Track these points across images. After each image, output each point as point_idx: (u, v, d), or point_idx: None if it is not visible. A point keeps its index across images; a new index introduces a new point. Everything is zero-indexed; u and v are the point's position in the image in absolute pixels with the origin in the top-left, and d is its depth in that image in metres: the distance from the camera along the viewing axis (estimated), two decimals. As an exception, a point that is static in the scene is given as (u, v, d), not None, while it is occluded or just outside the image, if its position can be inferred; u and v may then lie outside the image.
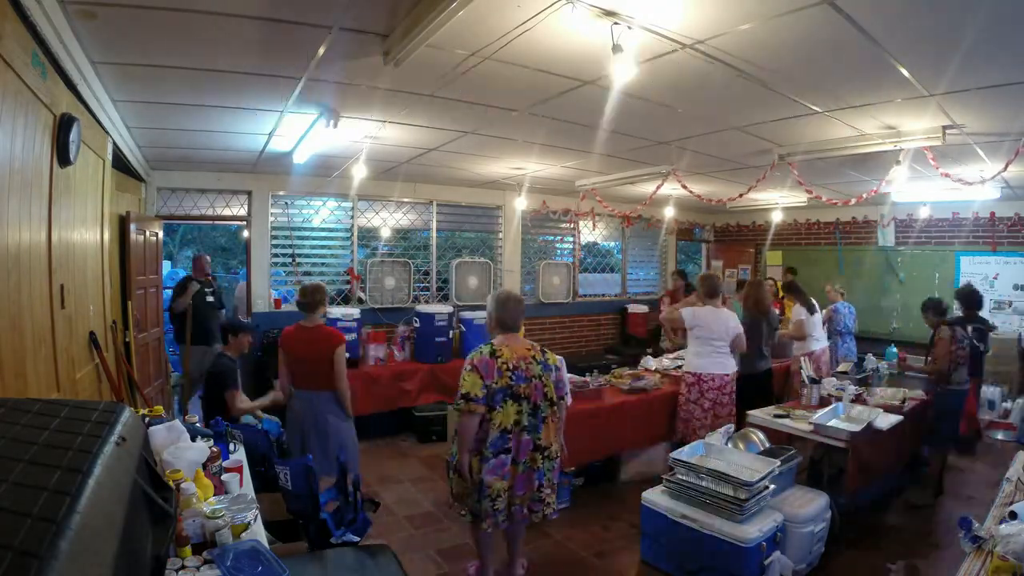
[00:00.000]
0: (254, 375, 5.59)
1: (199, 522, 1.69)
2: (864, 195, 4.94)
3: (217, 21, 2.30)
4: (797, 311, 5.61)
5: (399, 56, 2.47)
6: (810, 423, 3.68)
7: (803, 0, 2.06)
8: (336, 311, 5.55)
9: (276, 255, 6.27)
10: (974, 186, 4.36)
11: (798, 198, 6.91)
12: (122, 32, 2.42)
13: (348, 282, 6.58)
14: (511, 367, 2.84)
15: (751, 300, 4.87)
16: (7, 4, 1.77)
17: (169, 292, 6.00)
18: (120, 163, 4.16)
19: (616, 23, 2.22)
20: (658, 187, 5.63)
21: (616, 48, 2.23)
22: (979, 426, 5.58)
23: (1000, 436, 5.85)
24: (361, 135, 4.18)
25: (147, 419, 2.33)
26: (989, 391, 6.21)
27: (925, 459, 4.84)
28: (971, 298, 5.10)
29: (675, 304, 5.65)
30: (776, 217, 7.65)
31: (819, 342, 5.68)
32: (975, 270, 6.88)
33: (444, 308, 6.14)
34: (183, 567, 1.51)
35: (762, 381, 4.77)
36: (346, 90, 3.19)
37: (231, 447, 2.61)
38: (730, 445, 3.52)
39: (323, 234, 6.62)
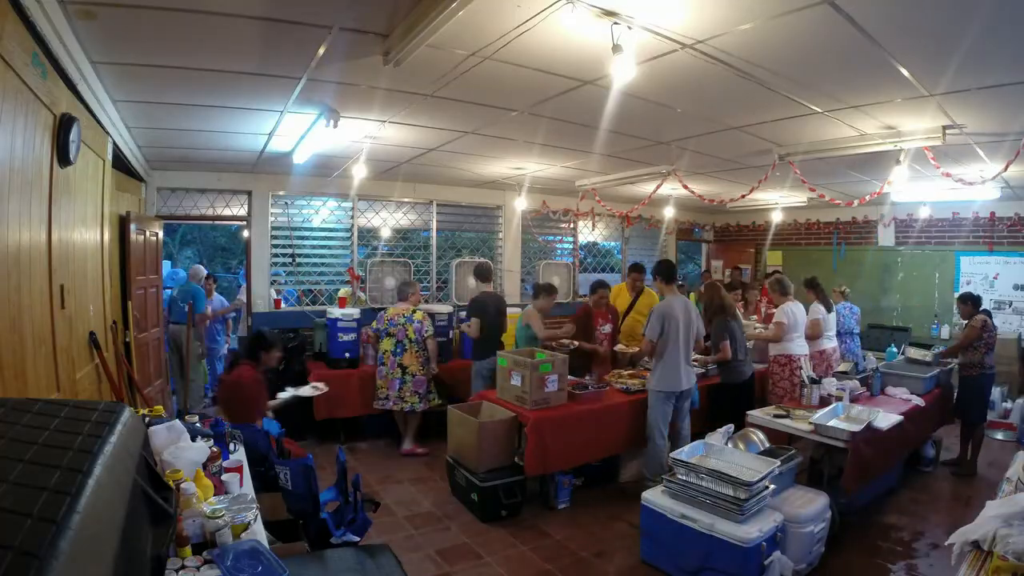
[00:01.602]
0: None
1: (199, 522, 1.69)
2: (867, 197, 4.95)
3: (217, 21, 2.30)
4: (815, 309, 5.58)
5: (399, 56, 2.47)
6: (810, 423, 3.67)
7: (803, 0, 2.06)
8: (336, 311, 5.55)
9: (276, 255, 6.27)
10: (974, 186, 4.36)
11: (798, 198, 6.92)
12: (122, 32, 2.42)
13: (348, 282, 6.58)
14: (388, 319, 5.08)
15: (715, 304, 4.83)
16: (7, 4, 1.77)
17: (168, 292, 6.05)
18: (120, 163, 4.16)
19: (616, 23, 2.22)
20: (658, 187, 5.63)
21: (616, 48, 2.23)
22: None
23: (1000, 436, 5.85)
24: (361, 135, 4.18)
25: (147, 419, 2.33)
26: (989, 391, 6.21)
27: (929, 460, 4.87)
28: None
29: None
30: (776, 217, 7.66)
31: (831, 341, 5.66)
32: (975, 270, 6.88)
33: (444, 308, 6.14)
34: (183, 567, 1.51)
35: (743, 387, 4.74)
36: (346, 90, 3.19)
37: (231, 447, 2.61)
38: (730, 445, 3.52)
39: (323, 234, 6.62)
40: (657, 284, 4.54)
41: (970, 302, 5.03)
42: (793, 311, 5.20)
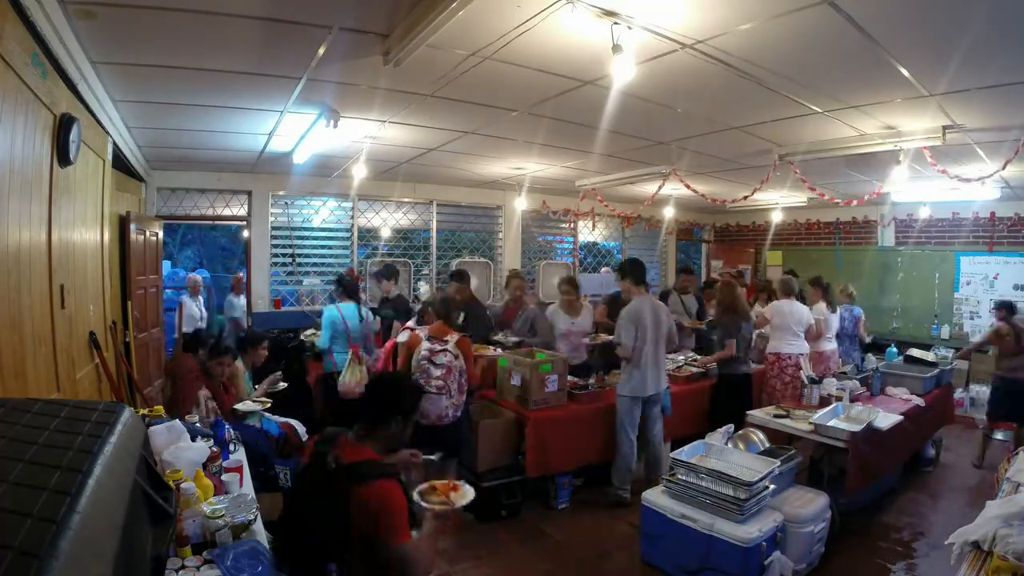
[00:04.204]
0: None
1: (199, 522, 1.70)
2: (866, 197, 4.96)
3: (217, 21, 2.30)
4: (818, 310, 5.56)
5: (399, 56, 2.47)
6: (810, 423, 3.67)
7: (803, 0, 2.06)
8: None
9: (276, 255, 6.27)
10: (974, 186, 4.36)
11: (798, 198, 6.92)
12: (122, 32, 2.42)
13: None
14: None
15: (726, 303, 4.77)
16: (7, 4, 1.77)
17: (170, 292, 6.03)
18: (120, 163, 4.16)
19: (616, 23, 2.22)
20: (659, 188, 5.63)
21: (616, 48, 2.23)
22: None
23: (1000, 436, 5.85)
24: (361, 135, 4.18)
25: (147, 419, 2.33)
26: (989, 391, 6.20)
27: (929, 460, 4.87)
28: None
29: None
30: (776, 217, 7.66)
31: (831, 342, 5.66)
32: (975, 270, 6.87)
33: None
34: (183, 567, 1.52)
35: (741, 384, 4.71)
36: (346, 90, 3.19)
37: (231, 447, 2.61)
38: (730, 445, 3.52)
39: (323, 234, 6.62)
40: (624, 285, 4.28)
41: (1004, 308, 5.10)
42: (782, 309, 5.11)
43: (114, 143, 3.62)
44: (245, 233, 6.27)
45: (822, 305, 5.56)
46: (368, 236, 6.83)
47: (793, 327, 5.10)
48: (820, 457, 3.84)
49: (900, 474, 4.52)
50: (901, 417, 3.91)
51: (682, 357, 5.38)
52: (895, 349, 5.64)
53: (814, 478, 3.79)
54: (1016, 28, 2.22)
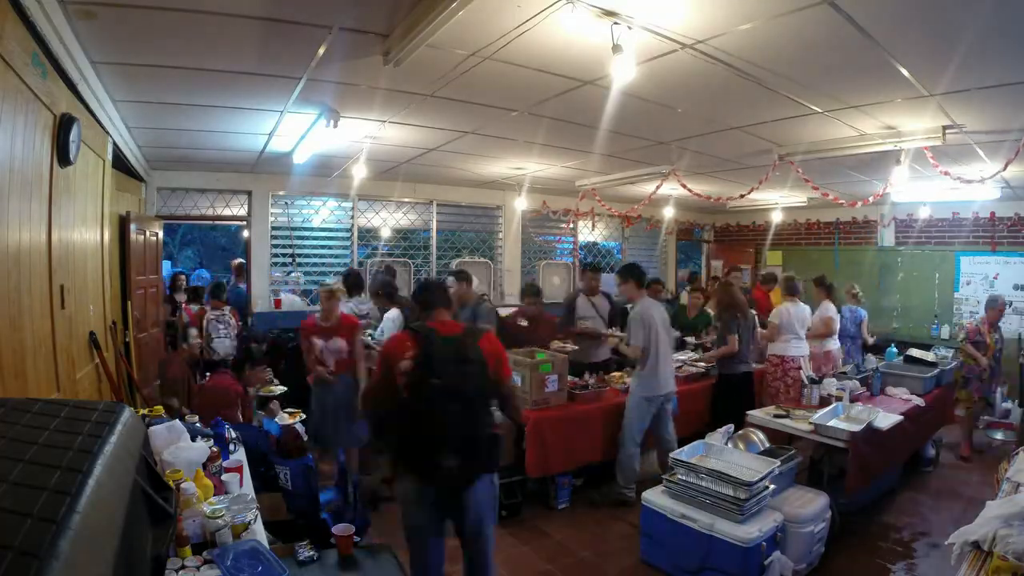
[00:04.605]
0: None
1: (199, 522, 1.70)
2: (871, 199, 4.96)
3: (217, 21, 2.30)
4: (825, 307, 5.55)
5: (399, 56, 2.47)
6: (810, 423, 3.67)
7: (803, 0, 2.06)
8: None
9: (276, 255, 6.27)
10: (974, 186, 4.36)
11: (798, 198, 6.92)
12: (122, 32, 2.42)
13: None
14: None
15: (724, 302, 4.78)
16: (7, 4, 1.78)
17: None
18: (120, 163, 4.16)
19: (616, 23, 2.22)
20: (658, 187, 5.63)
21: (616, 48, 2.23)
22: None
23: (1000, 436, 5.85)
24: (361, 135, 4.18)
25: (147, 419, 2.33)
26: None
27: (929, 460, 4.85)
28: None
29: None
30: (776, 217, 7.66)
31: (835, 341, 5.67)
32: (975, 270, 6.87)
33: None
34: (183, 567, 1.52)
35: (739, 383, 4.70)
36: (346, 90, 3.19)
37: (231, 447, 2.61)
38: (730, 445, 3.52)
39: (323, 234, 6.63)
40: (627, 288, 4.20)
41: None
42: (789, 312, 5.11)
43: (114, 143, 3.62)
44: (245, 233, 6.27)
45: (828, 304, 5.57)
46: (368, 236, 6.83)
47: (798, 329, 5.11)
48: (820, 457, 3.84)
49: (900, 474, 4.52)
50: (901, 417, 3.91)
51: (683, 357, 5.38)
52: (895, 349, 5.64)
53: (814, 478, 3.79)
54: (1016, 28, 2.22)
